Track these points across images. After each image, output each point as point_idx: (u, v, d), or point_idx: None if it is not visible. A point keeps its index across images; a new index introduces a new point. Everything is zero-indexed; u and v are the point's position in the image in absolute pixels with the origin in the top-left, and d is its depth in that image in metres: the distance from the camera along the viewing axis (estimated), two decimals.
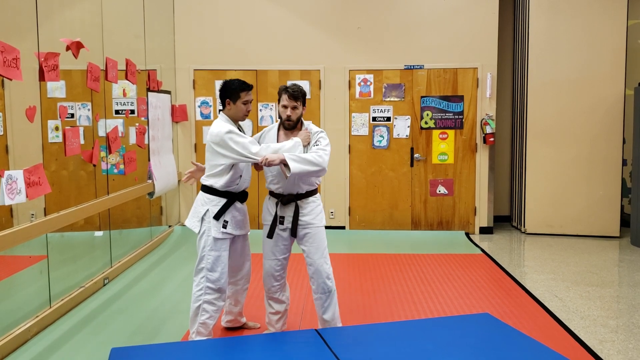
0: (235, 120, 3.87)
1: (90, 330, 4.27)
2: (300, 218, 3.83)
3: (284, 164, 3.61)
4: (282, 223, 3.86)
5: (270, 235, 3.87)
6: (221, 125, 3.74)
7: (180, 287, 5.34)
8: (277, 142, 3.86)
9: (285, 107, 3.81)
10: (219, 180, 3.80)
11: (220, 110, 3.91)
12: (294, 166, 3.57)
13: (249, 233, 4.11)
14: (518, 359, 3.32)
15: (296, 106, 3.80)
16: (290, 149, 3.70)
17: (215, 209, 3.81)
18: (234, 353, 3.47)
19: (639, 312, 4.69)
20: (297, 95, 3.80)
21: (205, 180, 3.87)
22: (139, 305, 4.84)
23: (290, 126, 3.86)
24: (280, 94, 3.85)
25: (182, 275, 5.75)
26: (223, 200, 3.82)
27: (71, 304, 4.69)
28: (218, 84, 7.72)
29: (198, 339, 3.84)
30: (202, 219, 3.83)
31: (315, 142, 3.80)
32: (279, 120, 3.97)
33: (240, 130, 3.90)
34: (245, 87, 3.83)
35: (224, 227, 3.81)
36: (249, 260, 4.16)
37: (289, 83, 4.01)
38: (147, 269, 5.97)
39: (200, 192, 3.91)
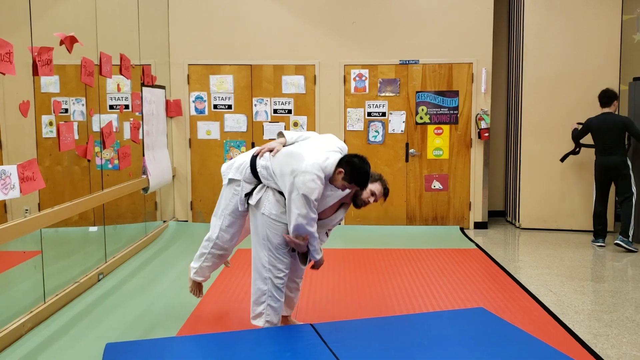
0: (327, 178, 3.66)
1: (85, 326, 4.26)
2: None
3: (303, 252, 3.75)
4: None
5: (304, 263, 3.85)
6: (314, 185, 3.48)
7: (175, 282, 5.34)
8: (337, 200, 3.76)
9: (373, 195, 3.73)
10: (267, 180, 3.75)
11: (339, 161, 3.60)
12: (305, 266, 3.87)
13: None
14: (513, 352, 3.33)
15: (377, 201, 3.81)
16: (315, 255, 3.73)
17: (248, 188, 3.80)
18: (229, 348, 3.48)
19: (633, 307, 4.71)
20: (387, 195, 3.83)
21: (261, 169, 3.73)
22: (134, 301, 4.83)
23: (358, 207, 3.84)
24: (376, 181, 3.75)
25: (177, 270, 5.74)
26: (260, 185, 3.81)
27: (66, 299, 4.68)
28: (213, 78, 7.77)
29: (195, 278, 4.18)
30: (232, 182, 3.86)
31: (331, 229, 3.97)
32: (348, 185, 3.70)
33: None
34: (362, 185, 3.62)
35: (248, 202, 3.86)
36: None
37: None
38: (141, 264, 5.96)
39: (250, 164, 3.79)
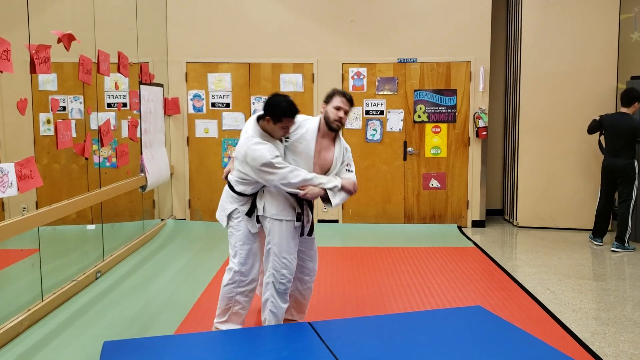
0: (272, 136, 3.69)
1: (83, 324, 4.26)
2: (308, 217, 3.84)
3: (323, 197, 3.68)
4: (299, 220, 3.77)
5: (302, 234, 3.81)
6: (260, 150, 3.54)
7: (173, 281, 5.34)
8: (315, 142, 3.74)
9: (339, 108, 3.72)
10: (249, 187, 3.76)
11: (258, 118, 3.67)
12: (335, 202, 3.68)
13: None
14: (510, 351, 3.34)
15: (348, 111, 3.76)
16: (328, 185, 3.69)
17: (245, 208, 3.80)
18: (227, 346, 3.48)
19: (630, 305, 4.72)
20: (352, 100, 3.78)
21: (235, 184, 3.79)
22: (132, 299, 4.83)
23: (337, 128, 3.76)
24: (332, 96, 3.76)
25: (174, 268, 5.74)
26: (251, 200, 3.82)
27: (63, 298, 4.67)
28: (211, 76, 7.76)
29: (228, 327, 3.88)
30: (230, 216, 3.83)
31: (347, 163, 3.84)
32: (320, 119, 3.82)
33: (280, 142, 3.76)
34: (291, 113, 3.61)
35: (258, 221, 3.82)
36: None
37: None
38: (139, 262, 5.96)
39: (228, 189, 3.86)
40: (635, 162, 6.45)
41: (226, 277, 3.88)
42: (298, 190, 3.61)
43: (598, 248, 6.61)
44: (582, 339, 3.98)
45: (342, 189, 3.75)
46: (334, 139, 3.85)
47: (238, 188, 3.78)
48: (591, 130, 6.87)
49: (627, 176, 6.46)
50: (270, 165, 3.52)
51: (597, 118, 6.84)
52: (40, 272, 4.39)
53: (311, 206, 3.87)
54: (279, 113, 3.56)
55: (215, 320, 3.95)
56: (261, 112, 3.65)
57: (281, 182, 3.56)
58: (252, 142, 3.59)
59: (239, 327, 3.92)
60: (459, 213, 7.87)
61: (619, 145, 6.47)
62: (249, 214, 3.80)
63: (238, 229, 3.83)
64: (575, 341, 3.93)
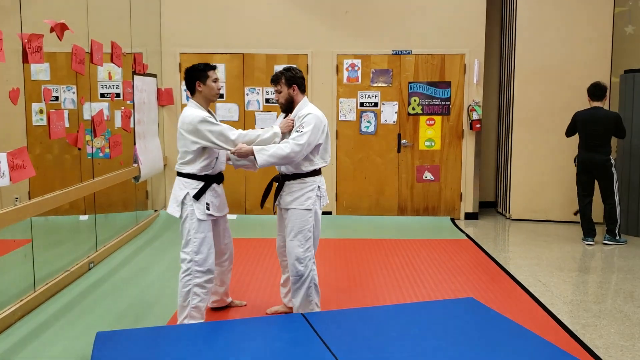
0: (208, 101, 3.93)
1: (76, 314, 4.26)
2: (280, 198, 3.96)
3: (254, 155, 3.74)
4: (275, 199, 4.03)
5: (261, 205, 4.13)
6: (193, 112, 3.78)
7: (166, 272, 5.34)
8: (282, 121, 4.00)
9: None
10: (195, 166, 3.83)
11: (188, 98, 3.95)
12: (260, 160, 3.70)
13: (227, 215, 4.19)
14: (502, 342, 3.35)
15: (277, 89, 3.96)
16: (267, 140, 3.81)
17: (194, 192, 3.84)
18: (219, 337, 3.48)
19: (621, 297, 4.75)
20: (274, 78, 3.97)
21: (182, 168, 3.87)
22: (125, 290, 4.83)
23: (282, 109, 4.00)
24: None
25: (168, 259, 5.74)
26: (201, 184, 3.85)
27: (56, 288, 4.67)
28: None
29: (190, 323, 3.83)
30: (182, 202, 3.85)
31: (298, 127, 3.81)
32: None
33: (212, 115, 3.94)
34: (211, 66, 3.92)
35: (207, 208, 3.85)
36: (231, 242, 4.24)
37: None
38: (132, 253, 5.95)
39: (177, 177, 3.92)
40: (611, 158, 6.42)
41: (181, 270, 3.86)
42: (231, 148, 3.75)
43: (590, 247, 6.54)
44: (573, 330, 4.01)
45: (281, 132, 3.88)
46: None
47: (185, 170, 3.85)
48: (567, 132, 6.75)
49: (605, 173, 6.40)
50: (205, 121, 3.71)
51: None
52: (33, 263, 4.38)
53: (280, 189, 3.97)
54: (202, 69, 3.84)
55: (178, 319, 3.89)
56: (189, 92, 3.92)
57: (220, 138, 3.71)
58: (185, 112, 3.81)
59: (200, 321, 3.86)
60: (452, 205, 7.89)
61: (599, 141, 6.38)
62: (197, 196, 3.82)
63: (192, 217, 3.84)
64: (566, 333, 3.96)
